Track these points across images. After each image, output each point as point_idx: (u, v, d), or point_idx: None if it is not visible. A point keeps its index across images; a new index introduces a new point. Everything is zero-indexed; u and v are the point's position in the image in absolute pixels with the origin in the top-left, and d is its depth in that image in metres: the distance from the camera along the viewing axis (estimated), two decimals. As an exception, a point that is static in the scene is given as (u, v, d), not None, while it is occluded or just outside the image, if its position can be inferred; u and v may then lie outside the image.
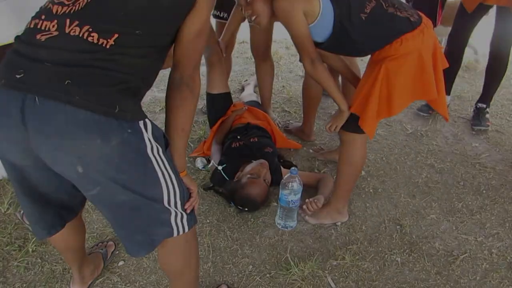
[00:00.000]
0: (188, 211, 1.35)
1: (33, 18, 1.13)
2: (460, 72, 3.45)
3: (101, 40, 1.06)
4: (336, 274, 1.95)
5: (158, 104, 3.48)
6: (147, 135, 1.15)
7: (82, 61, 1.05)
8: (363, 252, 2.07)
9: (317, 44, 1.83)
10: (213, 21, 3.08)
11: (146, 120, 1.16)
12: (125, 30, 1.09)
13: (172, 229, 1.33)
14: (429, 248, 2.10)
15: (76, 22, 1.06)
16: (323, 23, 1.72)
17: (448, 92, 3.36)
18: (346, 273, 1.95)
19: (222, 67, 2.84)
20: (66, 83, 1.01)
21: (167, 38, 1.22)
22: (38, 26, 1.09)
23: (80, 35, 1.05)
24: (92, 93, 1.03)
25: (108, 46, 1.06)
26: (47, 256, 2.00)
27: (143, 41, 1.13)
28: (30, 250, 2.02)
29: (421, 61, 1.76)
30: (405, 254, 2.06)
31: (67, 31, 1.06)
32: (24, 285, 1.87)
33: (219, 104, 2.85)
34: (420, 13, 1.85)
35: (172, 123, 1.28)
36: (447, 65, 1.95)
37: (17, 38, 1.13)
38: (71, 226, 1.53)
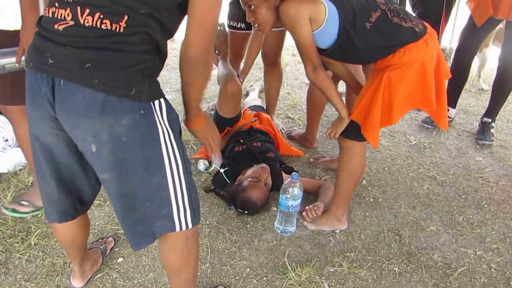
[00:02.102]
0: (211, 156, 1.40)
1: (49, 6, 1.18)
2: (466, 86, 3.46)
3: (114, 25, 1.10)
4: (333, 280, 1.95)
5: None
6: (160, 119, 1.20)
7: (100, 45, 1.10)
8: (361, 260, 2.07)
9: (321, 51, 1.85)
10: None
11: (162, 100, 1.21)
12: (133, 10, 1.12)
13: (174, 225, 1.34)
14: (427, 259, 2.10)
15: (87, 11, 1.10)
16: (328, 30, 1.75)
17: (454, 105, 3.37)
18: (343, 280, 1.96)
19: (239, 98, 2.75)
20: (86, 66, 1.08)
21: (175, 11, 1.21)
22: (55, 15, 1.14)
23: (94, 25, 1.10)
24: (111, 76, 1.10)
25: (121, 30, 1.10)
26: (48, 250, 2.03)
27: (151, 18, 1.15)
28: (33, 243, 2.05)
29: (423, 71, 1.78)
30: (403, 265, 2.06)
31: (81, 21, 1.10)
32: (26, 276, 1.89)
33: (227, 124, 2.82)
34: (425, 24, 1.86)
35: (186, 95, 1.33)
36: (450, 76, 1.97)
37: (38, 23, 1.19)
38: (80, 222, 1.57)
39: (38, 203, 2.16)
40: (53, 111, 1.17)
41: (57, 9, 1.14)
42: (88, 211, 2.23)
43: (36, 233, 2.10)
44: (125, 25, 1.10)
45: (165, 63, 4.30)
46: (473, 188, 2.68)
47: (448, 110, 3.28)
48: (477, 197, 2.60)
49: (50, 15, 1.15)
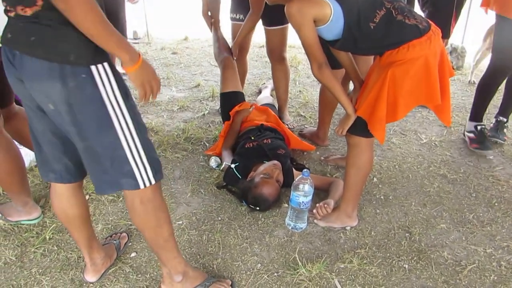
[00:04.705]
0: (141, 102, 1.44)
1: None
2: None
3: (33, 8, 1.20)
4: (343, 276, 1.97)
5: (176, 103, 3.56)
6: (105, 81, 1.29)
7: (36, 22, 1.22)
8: (371, 256, 2.08)
9: (326, 42, 1.88)
10: (228, 24, 3.18)
11: (105, 64, 1.29)
12: None
13: (137, 182, 1.44)
14: (437, 256, 2.10)
15: (11, 7, 1.24)
16: (332, 28, 1.79)
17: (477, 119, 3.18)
18: (353, 276, 1.97)
19: (235, 69, 2.99)
20: (31, 39, 1.23)
21: None
22: (7, 8, 1.27)
23: (23, 14, 1.22)
24: (50, 46, 1.22)
25: (40, 8, 1.20)
26: (63, 244, 2.07)
27: None
28: (47, 237, 2.10)
29: (427, 67, 1.79)
30: (413, 261, 2.07)
31: (16, 12, 1.24)
32: (40, 270, 1.93)
33: (230, 101, 2.94)
34: (429, 21, 1.88)
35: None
36: (453, 74, 1.98)
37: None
38: (70, 193, 1.65)
39: (10, 218, 2.18)
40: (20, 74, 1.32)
41: (5, 4, 1.27)
42: (102, 207, 2.30)
43: (51, 227, 2.15)
44: (42, 3, 1.19)
45: (178, 62, 4.45)
46: (484, 186, 2.68)
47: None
48: (487, 195, 2.60)
49: (4, 7, 1.28)
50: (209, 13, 3.04)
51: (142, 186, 1.45)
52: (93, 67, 1.26)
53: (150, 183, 1.46)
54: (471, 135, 3.07)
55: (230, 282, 1.89)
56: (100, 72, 1.27)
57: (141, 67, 1.32)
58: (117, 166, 1.41)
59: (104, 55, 1.29)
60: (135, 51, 1.30)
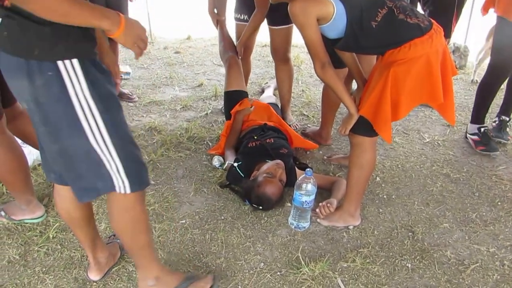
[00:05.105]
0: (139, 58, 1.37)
1: None
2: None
3: (3, 1, 1.16)
4: (346, 276, 1.97)
5: (179, 102, 3.56)
6: (74, 79, 1.23)
7: (9, 15, 1.18)
8: (374, 256, 2.08)
9: (330, 41, 1.89)
10: (233, 24, 3.20)
11: (75, 61, 1.22)
12: None
13: (114, 185, 1.39)
14: (440, 256, 2.10)
15: None
16: (335, 27, 1.80)
17: (478, 121, 3.16)
18: (356, 276, 1.97)
19: (240, 68, 3.01)
20: (4, 34, 1.21)
21: None
22: None
23: None
24: (18, 41, 1.19)
25: (9, 4, 1.15)
26: (66, 243, 2.08)
27: None
28: (51, 236, 2.10)
29: (429, 65, 1.80)
30: (415, 261, 2.07)
31: None
32: (44, 269, 1.94)
33: (234, 100, 2.94)
34: (432, 20, 1.88)
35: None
36: (456, 73, 1.98)
37: None
38: (72, 196, 1.57)
39: (14, 216, 2.18)
40: None
41: None
42: (105, 205, 2.29)
43: (55, 226, 2.15)
44: None
45: (181, 61, 4.46)
46: (487, 185, 2.68)
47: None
48: (490, 194, 2.59)
49: None
50: (215, 11, 3.05)
51: (118, 190, 1.41)
52: (60, 63, 1.20)
53: (125, 190, 1.41)
54: (475, 137, 3.06)
55: (212, 277, 1.83)
56: (68, 69, 1.21)
57: (126, 28, 1.23)
58: (92, 170, 1.36)
59: (74, 51, 1.23)
60: (114, 14, 1.21)
